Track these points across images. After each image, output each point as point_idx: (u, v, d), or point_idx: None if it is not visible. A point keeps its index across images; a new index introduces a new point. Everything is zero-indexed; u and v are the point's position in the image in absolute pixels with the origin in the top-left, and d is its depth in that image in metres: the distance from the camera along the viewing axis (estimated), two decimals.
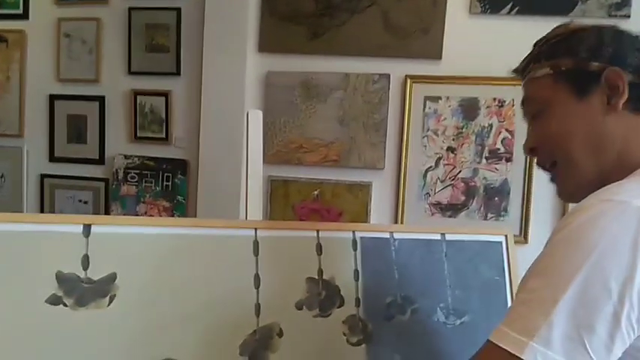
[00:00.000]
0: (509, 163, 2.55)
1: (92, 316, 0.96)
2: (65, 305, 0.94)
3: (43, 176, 2.95)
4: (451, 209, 2.63)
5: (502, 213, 2.56)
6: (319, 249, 1.16)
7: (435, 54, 2.58)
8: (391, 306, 1.18)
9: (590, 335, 0.68)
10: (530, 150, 0.94)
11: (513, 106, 2.53)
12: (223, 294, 1.08)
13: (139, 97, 2.85)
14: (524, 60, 0.99)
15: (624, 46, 0.86)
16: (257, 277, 1.10)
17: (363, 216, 2.69)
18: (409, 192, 2.66)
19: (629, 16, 2.38)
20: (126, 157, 2.87)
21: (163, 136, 2.85)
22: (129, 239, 1.02)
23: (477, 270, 1.24)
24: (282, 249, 1.14)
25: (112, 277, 0.98)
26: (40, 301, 0.93)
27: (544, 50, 0.93)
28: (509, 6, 2.50)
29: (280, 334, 1.10)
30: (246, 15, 2.70)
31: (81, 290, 0.95)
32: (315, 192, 2.74)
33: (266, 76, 2.73)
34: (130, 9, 2.82)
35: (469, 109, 2.58)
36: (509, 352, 0.70)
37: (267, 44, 2.74)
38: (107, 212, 2.85)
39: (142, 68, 2.84)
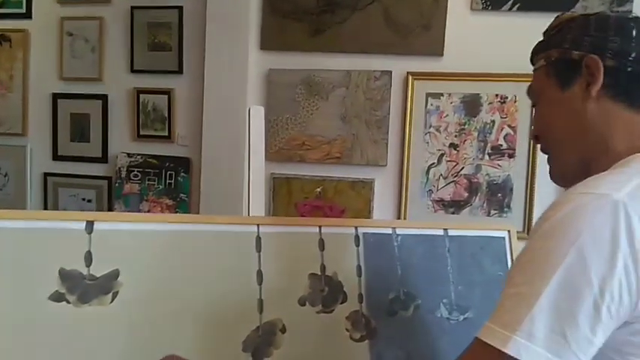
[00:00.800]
0: (511, 159, 2.55)
1: (95, 312, 0.96)
2: (68, 302, 0.94)
3: (46, 175, 2.96)
4: (454, 206, 2.62)
5: (505, 209, 2.56)
6: (322, 245, 1.16)
7: (437, 50, 2.57)
8: (394, 302, 1.18)
9: (572, 328, 0.69)
10: (534, 137, 0.97)
11: (515, 102, 2.52)
12: (226, 290, 1.08)
13: (141, 96, 2.86)
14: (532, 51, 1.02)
15: (606, 33, 0.87)
16: (260, 273, 1.11)
17: (365, 213, 2.69)
18: (412, 189, 2.66)
19: (631, 12, 2.38)
20: (129, 155, 2.88)
21: (166, 134, 2.85)
22: (131, 236, 1.02)
23: (480, 265, 1.24)
24: (284, 245, 1.15)
25: (115, 274, 0.98)
26: (43, 298, 0.94)
27: (542, 42, 0.96)
28: (510, 2, 2.49)
29: (283, 330, 1.10)
30: (248, 12, 2.70)
31: (84, 287, 0.96)
32: (318, 189, 2.74)
33: (268, 74, 2.73)
34: (133, 8, 2.83)
35: (471, 105, 2.58)
36: (493, 347, 0.70)
37: (269, 42, 2.74)
38: (110, 210, 2.86)
39: (144, 67, 2.84)
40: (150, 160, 2.86)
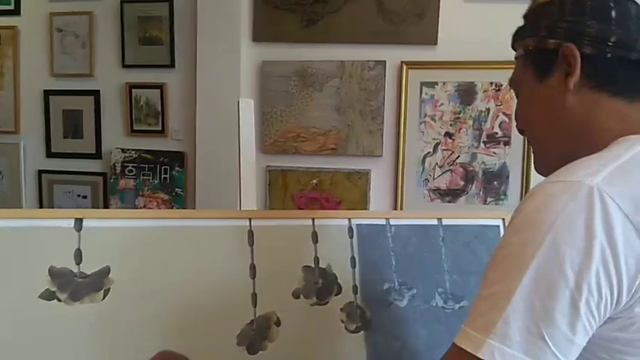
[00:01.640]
0: (507, 147, 2.54)
1: (87, 310, 0.95)
2: (59, 300, 0.94)
3: (40, 172, 2.95)
4: (450, 194, 2.62)
5: (501, 197, 2.56)
6: (315, 237, 1.15)
7: (431, 39, 2.56)
8: (389, 292, 1.18)
9: (549, 327, 0.64)
10: (519, 130, 0.94)
11: (511, 89, 2.51)
12: (219, 285, 1.08)
13: (133, 91, 2.84)
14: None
15: (583, 17, 0.80)
16: (252, 267, 1.10)
17: (362, 204, 2.68)
18: (408, 178, 2.65)
19: None
20: (123, 150, 2.86)
21: (160, 128, 2.84)
22: (122, 232, 1.01)
23: (475, 254, 1.23)
24: (277, 238, 1.14)
25: (106, 271, 0.97)
26: (34, 296, 0.93)
27: (521, 28, 0.89)
28: None
29: (278, 323, 1.10)
30: (239, 4, 2.68)
31: (74, 285, 0.95)
32: (314, 181, 2.73)
33: (261, 66, 2.72)
34: (122, 2, 2.80)
35: (466, 93, 2.56)
36: (468, 351, 0.66)
37: (261, 33, 2.72)
38: (106, 206, 2.85)
39: (136, 61, 2.83)
40: (144, 155, 2.85)
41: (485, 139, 2.56)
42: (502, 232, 1.25)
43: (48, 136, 2.92)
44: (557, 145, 0.82)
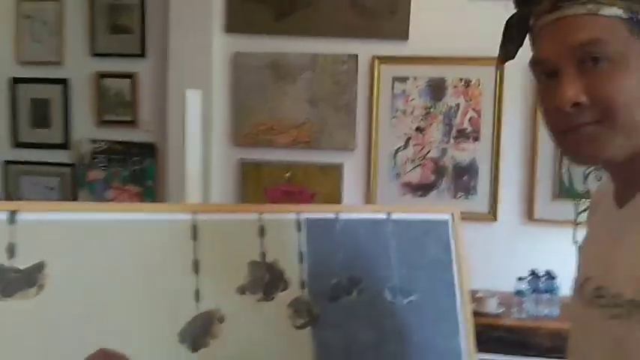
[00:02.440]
0: (476, 142, 2.54)
1: (19, 306, 0.93)
2: None
3: (7, 163, 2.90)
4: (422, 189, 2.62)
5: (471, 191, 2.56)
6: (262, 231, 1.14)
7: (402, 34, 2.55)
8: (337, 287, 1.17)
9: None
10: (575, 104, 0.71)
11: (479, 85, 2.51)
12: (160, 280, 1.06)
13: (103, 80, 2.80)
14: None
15: None
16: (196, 262, 1.08)
17: (336, 197, 2.68)
18: (380, 172, 2.65)
19: None
20: (92, 141, 2.83)
21: (130, 119, 2.81)
22: (59, 226, 0.99)
23: (424, 249, 1.23)
24: (222, 233, 1.12)
25: (40, 266, 0.95)
26: None
27: None
28: None
29: (221, 319, 1.09)
30: None
31: (6, 280, 0.93)
32: (287, 174, 2.72)
33: (234, 57, 2.69)
34: None
35: (436, 89, 2.56)
36: None
37: (234, 25, 2.69)
38: (75, 198, 2.82)
39: (106, 50, 2.79)
40: (114, 146, 2.81)
41: (455, 135, 2.56)
42: (451, 228, 1.25)
43: (15, 126, 2.88)
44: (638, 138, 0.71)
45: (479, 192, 2.55)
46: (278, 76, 2.67)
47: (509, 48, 0.82)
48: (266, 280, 1.13)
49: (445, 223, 1.25)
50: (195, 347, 1.06)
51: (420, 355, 1.20)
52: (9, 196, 2.83)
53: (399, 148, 2.62)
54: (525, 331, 2.05)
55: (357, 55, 2.60)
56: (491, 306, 2.15)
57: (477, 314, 2.13)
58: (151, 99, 2.79)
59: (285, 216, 1.17)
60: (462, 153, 2.56)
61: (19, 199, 2.81)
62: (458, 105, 2.54)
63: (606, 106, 0.70)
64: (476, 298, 2.18)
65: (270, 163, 2.72)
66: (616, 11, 0.70)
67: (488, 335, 2.03)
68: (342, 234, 1.19)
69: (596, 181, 2.42)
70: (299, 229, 1.17)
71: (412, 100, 2.59)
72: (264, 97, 2.68)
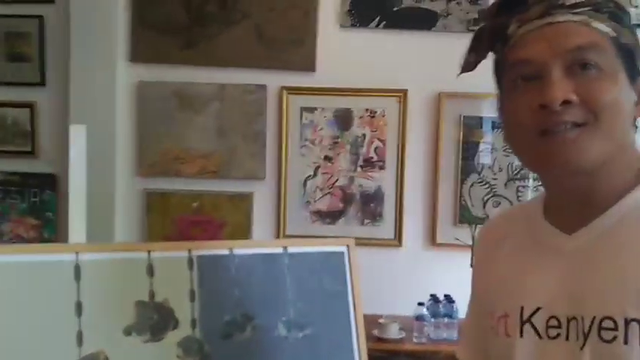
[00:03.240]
0: (382, 171, 2.62)
1: None
2: None
3: None
4: (330, 216, 2.66)
5: (377, 218, 2.62)
6: (150, 270, 1.12)
7: (309, 66, 2.60)
8: (230, 324, 1.15)
9: None
10: (565, 101, 0.72)
11: (384, 116, 2.60)
12: (40, 325, 1.01)
13: (0, 109, 2.67)
14: None
15: None
16: (79, 304, 1.04)
17: (245, 226, 2.67)
18: (290, 201, 2.67)
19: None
20: None
21: (29, 149, 2.69)
22: None
23: (320, 281, 1.24)
24: (108, 272, 1.09)
25: None
26: None
27: (609, 4, 0.75)
28: (376, 20, 2.57)
29: None
30: (116, 23, 2.61)
31: None
32: (195, 204, 2.68)
33: (138, 87, 2.65)
34: None
35: (343, 119, 2.62)
36: None
37: (139, 54, 2.65)
38: None
39: (3, 78, 2.67)
40: (10, 177, 2.68)
41: (361, 163, 2.62)
42: (347, 258, 1.27)
43: None
44: (618, 136, 0.75)
45: (385, 218, 2.62)
46: (184, 106, 2.65)
47: (472, 59, 0.82)
48: (154, 320, 1.10)
49: (341, 254, 1.27)
50: None
51: None
52: None
53: (308, 176, 2.66)
54: (426, 356, 2.11)
55: (265, 86, 2.63)
56: (393, 331, 2.20)
57: (379, 340, 2.19)
58: (52, 129, 2.69)
59: (176, 254, 1.15)
60: (369, 181, 2.62)
61: None
62: (364, 135, 2.62)
63: (595, 106, 0.72)
64: (378, 323, 2.22)
65: (177, 193, 2.67)
66: (605, 28, 0.74)
67: None
68: (237, 270, 1.18)
69: (492, 208, 2.56)
70: (191, 266, 1.15)
71: (320, 129, 2.63)
72: (170, 127, 2.65)
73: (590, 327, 0.72)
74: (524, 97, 0.75)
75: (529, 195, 2.55)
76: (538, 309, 0.78)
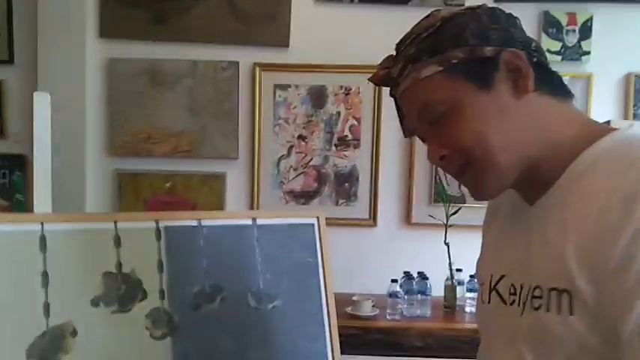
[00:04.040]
0: (357, 150, 2.61)
1: None
2: None
3: None
4: (304, 196, 2.65)
5: (352, 198, 2.62)
6: (118, 241, 1.10)
7: (283, 42, 2.57)
8: (198, 295, 1.15)
9: None
10: (440, 159, 0.79)
11: (359, 93, 2.59)
12: (6, 296, 0.99)
13: None
14: (390, 64, 0.84)
15: (505, 24, 0.78)
16: (45, 275, 1.02)
17: (218, 207, 2.64)
18: (264, 181, 2.65)
19: (463, 5, 2.50)
20: None
21: None
22: None
23: (289, 253, 1.24)
24: (74, 243, 1.07)
25: None
26: None
27: (422, 47, 0.79)
28: None
29: (74, 333, 1.03)
30: None
31: None
32: (167, 184, 2.65)
33: (108, 63, 2.60)
34: None
35: (317, 97, 2.61)
36: None
37: (109, 29, 2.60)
38: None
39: None
40: None
41: (336, 142, 2.61)
42: (317, 231, 1.27)
43: None
44: (518, 155, 0.77)
45: (359, 198, 2.62)
46: (156, 83, 2.61)
47: (402, 124, 0.87)
48: (122, 291, 1.08)
49: (311, 226, 1.27)
50: None
51: None
52: None
53: (282, 156, 2.64)
54: (398, 332, 2.12)
55: (237, 62, 2.59)
56: (366, 308, 2.21)
57: (352, 317, 2.19)
58: (20, 108, 2.63)
59: (144, 224, 1.13)
60: (343, 160, 2.62)
61: None
62: (339, 113, 2.60)
63: (461, 150, 0.77)
64: (352, 301, 2.23)
65: (148, 173, 2.64)
66: (435, 68, 0.77)
67: (363, 338, 2.09)
68: (206, 241, 1.17)
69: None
70: (159, 237, 1.14)
71: (294, 108, 2.61)
72: (141, 105, 2.60)
73: (527, 295, 0.76)
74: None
75: None
76: (502, 277, 0.83)
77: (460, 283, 2.36)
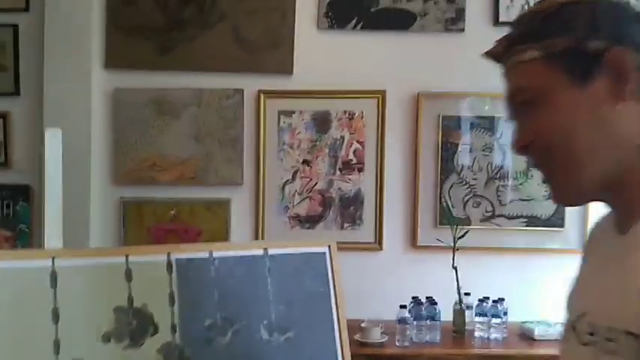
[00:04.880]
0: (361, 173, 2.61)
1: None
2: None
3: None
4: (309, 221, 2.64)
5: (357, 222, 2.62)
6: (129, 275, 1.09)
7: (287, 69, 2.59)
8: (210, 328, 1.13)
9: None
10: (522, 148, 0.76)
11: (362, 117, 2.60)
12: (16, 333, 0.98)
13: None
14: (501, 42, 0.79)
15: (625, 21, 0.73)
16: (55, 311, 1.02)
17: (223, 233, 2.64)
18: (269, 206, 2.65)
19: (463, 30, 2.53)
20: None
21: (2, 160, 2.64)
22: None
23: (301, 283, 1.23)
24: (85, 278, 1.06)
25: None
26: None
27: (530, 29, 0.75)
28: (354, 21, 2.57)
29: None
30: (90, 30, 2.57)
31: None
32: (172, 212, 2.65)
33: (114, 93, 2.61)
34: None
35: (321, 122, 2.62)
36: None
37: (114, 60, 2.62)
38: None
39: None
40: None
41: (340, 166, 2.62)
42: (328, 259, 1.26)
43: None
44: (602, 162, 0.72)
45: (364, 222, 2.61)
46: (161, 112, 2.62)
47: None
48: (133, 326, 1.08)
49: (322, 255, 1.26)
50: None
51: None
52: None
53: (286, 181, 2.64)
54: (408, 359, 2.10)
55: (242, 90, 2.61)
56: (375, 335, 2.18)
57: (361, 344, 2.17)
58: (26, 139, 2.64)
59: (155, 257, 1.13)
60: (348, 184, 2.62)
61: None
62: (343, 137, 2.61)
63: (543, 141, 0.74)
64: (360, 327, 2.21)
65: (153, 201, 2.64)
66: (536, 53, 0.74)
67: None
68: (217, 273, 1.17)
69: (472, 208, 2.57)
70: (170, 270, 1.13)
71: (298, 133, 2.62)
72: (146, 134, 2.61)
73: (604, 336, 0.69)
74: None
75: (509, 195, 2.56)
76: (583, 314, 0.75)
77: (469, 307, 2.34)
